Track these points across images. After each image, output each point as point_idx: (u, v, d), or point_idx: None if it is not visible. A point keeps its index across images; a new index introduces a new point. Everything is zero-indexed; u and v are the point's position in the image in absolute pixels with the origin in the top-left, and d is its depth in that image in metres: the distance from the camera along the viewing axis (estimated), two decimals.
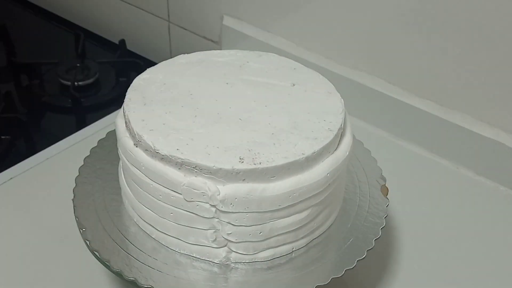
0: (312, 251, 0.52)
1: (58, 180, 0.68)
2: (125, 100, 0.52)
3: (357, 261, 0.50)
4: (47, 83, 0.91)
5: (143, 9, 0.98)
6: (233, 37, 0.86)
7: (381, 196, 0.57)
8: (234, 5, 0.86)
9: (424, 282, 0.60)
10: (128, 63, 0.94)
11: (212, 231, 0.48)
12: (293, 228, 0.50)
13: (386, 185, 0.58)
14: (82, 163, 0.59)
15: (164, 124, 0.49)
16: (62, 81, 0.89)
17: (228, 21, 0.87)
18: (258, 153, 0.47)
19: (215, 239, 0.49)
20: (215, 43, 0.90)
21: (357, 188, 0.58)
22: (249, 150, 0.47)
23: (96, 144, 0.61)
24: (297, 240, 0.51)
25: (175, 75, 0.56)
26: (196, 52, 0.60)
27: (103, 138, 0.62)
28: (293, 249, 0.52)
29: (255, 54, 0.60)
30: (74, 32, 0.99)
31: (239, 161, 0.46)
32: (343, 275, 0.49)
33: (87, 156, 0.60)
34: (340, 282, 0.49)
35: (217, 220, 0.47)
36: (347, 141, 0.52)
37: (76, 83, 0.88)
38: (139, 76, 0.56)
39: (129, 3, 0.99)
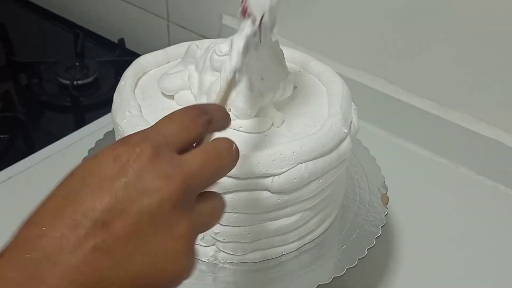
0: (303, 256, 0.51)
1: (57, 179, 0.68)
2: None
3: (347, 269, 0.49)
4: (46, 82, 0.91)
5: (142, 8, 0.98)
6: None
7: (381, 205, 0.56)
8: (233, 4, 0.85)
9: (423, 281, 0.60)
10: (127, 62, 0.93)
11: None
12: (282, 232, 0.49)
13: (387, 194, 0.57)
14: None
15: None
16: (61, 80, 0.89)
17: (227, 20, 0.86)
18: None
19: (203, 237, 0.48)
20: None
21: (357, 196, 0.57)
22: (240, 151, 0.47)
23: (94, 145, 0.61)
24: (287, 244, 0.51)
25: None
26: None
27: (101, 138, 0.62)
28: (283, 253, 0.51)
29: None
30: (73, 31, 0.98)
31: None
32: (331, 282, 0.48)
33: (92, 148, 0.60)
34: None
35: None
36: (344, 147, 0.50)
37: (75, 82, 0.87)
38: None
39: (128, 2, 0.99)
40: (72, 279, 0.27)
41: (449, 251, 0.63)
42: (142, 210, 0.29)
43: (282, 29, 0.82)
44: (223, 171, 0.33)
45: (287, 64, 0.53)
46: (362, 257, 0.50)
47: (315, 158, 0.47)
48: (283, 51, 0.53)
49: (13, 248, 0.28)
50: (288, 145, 0.46)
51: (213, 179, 0.33)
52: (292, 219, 0.49)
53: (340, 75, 0.73)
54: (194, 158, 0.32)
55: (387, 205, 0.56)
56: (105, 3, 1.03)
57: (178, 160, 0.31)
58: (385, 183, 0.58)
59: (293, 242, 0.51)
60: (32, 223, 0.29)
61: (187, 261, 0.30)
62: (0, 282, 0.27)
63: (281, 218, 0.48)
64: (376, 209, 0.56)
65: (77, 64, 0.91)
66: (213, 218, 0.33)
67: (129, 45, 0.97)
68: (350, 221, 0.54)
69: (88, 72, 0.90)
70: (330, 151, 0.48)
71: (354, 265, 0.50)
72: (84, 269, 0.27)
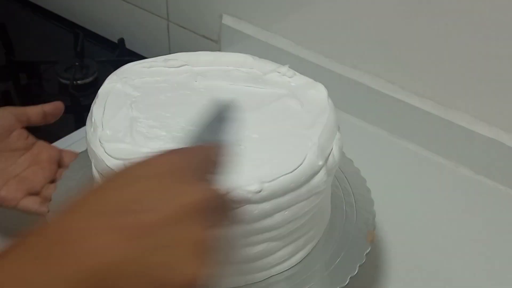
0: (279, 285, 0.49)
1: None
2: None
3: None
4: (46, 82, 0.91)
5: (142, 8, 0.98)
6: (232, 36, 0.86)
7: (365, 237, 0.53)
8: (233, 4, 0.85)
9: (422, 281, 0.60)
10: (127, 62, 0.94)
11: None
12: (245, 261, 0.47)
13: (374, 231, 0.54)
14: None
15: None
16: (61, 80, 0.89)
17: (227, 20, 0.86)
18: None
19: None
20: (214, 42, 0.90)
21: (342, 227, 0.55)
22: None
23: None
24: (251, 274, 0.49)
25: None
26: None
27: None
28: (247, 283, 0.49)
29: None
30: (73, 31, 0.98)
31: None
32: None
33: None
34: None
35: None
36: (316, 180, 0.47)
37: (75, 82, 0.88)
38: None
39: (128, 2, 0.99)
40: (85, 265, 0.27)
41: (448, 250, 0.63)
42: (171, 207, 0.30)
43: (281, 28, 0.82)
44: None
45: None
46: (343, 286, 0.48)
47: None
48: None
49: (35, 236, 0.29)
50: (252, 179, 0.44)
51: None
52: (256, 249, 0.47)
53: (339, 74, 0.73)
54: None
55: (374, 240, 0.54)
56: (105, 3, 1.03)
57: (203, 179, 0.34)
58: (375, 219, 0.56)
59: (258, 272, 0.49)
60: (61, 214, 0.30)
61: (198, 267, 0.30)
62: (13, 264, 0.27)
63: (243, 247, 0.46)
64: (361, 240, 0.53)
65: (77, 64, 0.91)
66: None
67: (129, 45, 0.97)
68: (331, 253, 0.52)
69: (88, 72, 0.90)
70: (299, 186, 0.46)
71: None
72: (101, 254, 0.28)
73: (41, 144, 0.63)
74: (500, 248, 0.64)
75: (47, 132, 0.83)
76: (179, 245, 0.30)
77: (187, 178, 0.32)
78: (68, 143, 0.74)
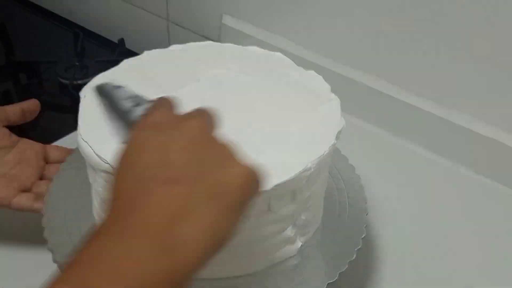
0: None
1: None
2: None
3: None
4: (46, 82, 0.91)
5: (142, 8, 0.98)
6: (232, 36, 0.86)
7: (362, 213, 0.55)
8: (233, 4, 0.85)
9: (423, 281, 0.60)
10: None
11: None
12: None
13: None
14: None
15: None
16: (61, 80, 0.89)
17: (227, 20, 0.86)
18: None
19: None
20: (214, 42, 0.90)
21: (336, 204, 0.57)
22: None
23: None
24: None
25: None
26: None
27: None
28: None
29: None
30: (73, 31, 0.98)
31: None
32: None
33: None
34: None
35: None
36: None
37: (75, 82, 0.87)
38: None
39: (128, 2, 0.99)
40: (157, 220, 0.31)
41: (448, 250, 0.63)
42: (188, 133, 0.34)
43: (281, 28, 0.82)
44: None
45: None
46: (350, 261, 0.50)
47: None
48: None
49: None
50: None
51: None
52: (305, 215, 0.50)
53: (340, 75, 0.73)
54: None
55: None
56: (105, 3, 1.03)
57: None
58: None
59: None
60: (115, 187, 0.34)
61: (240, 163, 0.34)
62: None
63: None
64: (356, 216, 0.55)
65: (77, 64, 0.91)
66: None
67: (129, 45, 0.97)
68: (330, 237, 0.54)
69: (88, 72, 0.90)
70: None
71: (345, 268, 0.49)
72: (163, 206, 0.31)
73: (25, 141, 0.63)
74: (500, 248, 0.64)
75: (47, 132, 0.83)
76: (211, 154, 0.34)
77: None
78: (69, 142, 0.74)
